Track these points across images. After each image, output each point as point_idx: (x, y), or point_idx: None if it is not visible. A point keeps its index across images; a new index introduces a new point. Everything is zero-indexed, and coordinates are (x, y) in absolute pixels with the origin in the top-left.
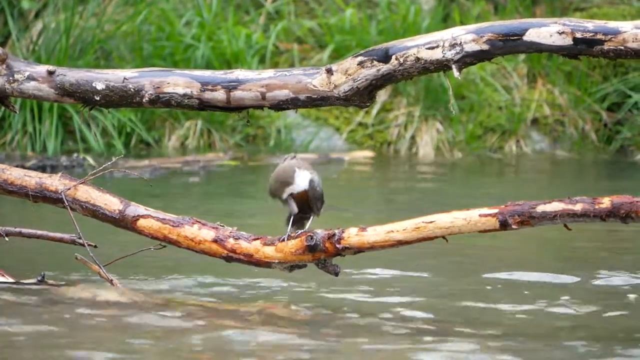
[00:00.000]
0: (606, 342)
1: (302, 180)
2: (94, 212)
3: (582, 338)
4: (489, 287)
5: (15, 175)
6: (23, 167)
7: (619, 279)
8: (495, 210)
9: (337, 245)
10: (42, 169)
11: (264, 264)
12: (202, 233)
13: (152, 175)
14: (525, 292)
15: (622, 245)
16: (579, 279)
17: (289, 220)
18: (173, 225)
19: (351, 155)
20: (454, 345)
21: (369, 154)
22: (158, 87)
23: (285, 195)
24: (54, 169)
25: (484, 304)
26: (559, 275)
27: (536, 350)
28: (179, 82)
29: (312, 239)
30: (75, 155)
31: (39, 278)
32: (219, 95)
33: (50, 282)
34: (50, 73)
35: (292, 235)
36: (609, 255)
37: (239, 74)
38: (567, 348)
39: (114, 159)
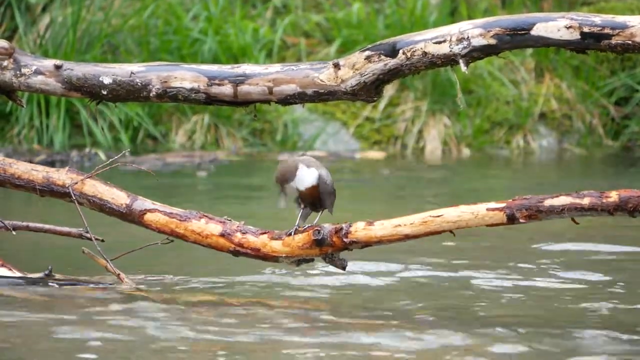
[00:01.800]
0: None
1: (309, 177)
2: (101, 206)
3: None
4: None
5: (23, 169)
6: (31, 162)
7: None
8: (503, 205)
9: (345, 240)
10: (51, 164)
11: (271, 258)
12: (209, 227)
13: (163, 169)
14: None
15: None
16: None
17: (302, 215)
18: (180, 220)
19: (362, 155)
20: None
21: (380, 154)
22: (165, 82)
23: (289, 190)
24: (63, 164)
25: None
26: None
27: None
28: (186, 77)
29: (319, 233)
30: (87, 150)
31: (46, 272)
32: (226, 89)
33: (57, 276)
34: (57, 67)
35: (300, 229)
36: None
37: (246, 68)
38: None
39: (123, 152)
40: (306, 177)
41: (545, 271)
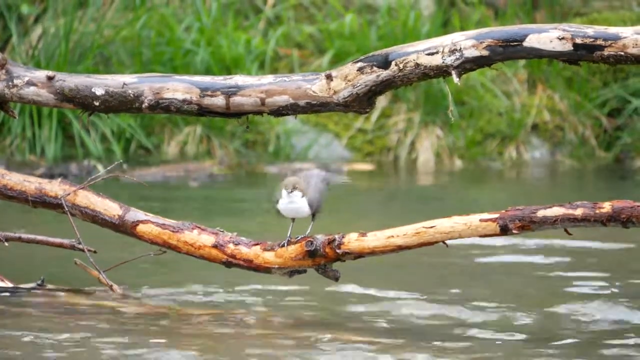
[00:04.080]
0: None
1: (303, 208)
2: (94, 218)
3: None
4: None
5: (15, 180)
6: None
7: None
8: (496, 215)
9: (337, 251)
10: (50, 177)
11: (263, 269)
12: (202, 238)
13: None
14: None
15: None
16: None
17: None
18: (173, 231)
19: (350, 166)
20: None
21: (368, 166)
22: (157, 93)
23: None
24: (63, 177)
25: None
26: None
27: None
28: (178, 88)
29: (312, 244)
30: (85, 162)
31: (39, 282)
32: (219, 101)
33: (50, 286)
34: (50, 78)
35: (292, 240)
36: None
37: (238, 79)
38: None
39: (115, 163)
40: (300, 209)
41: None
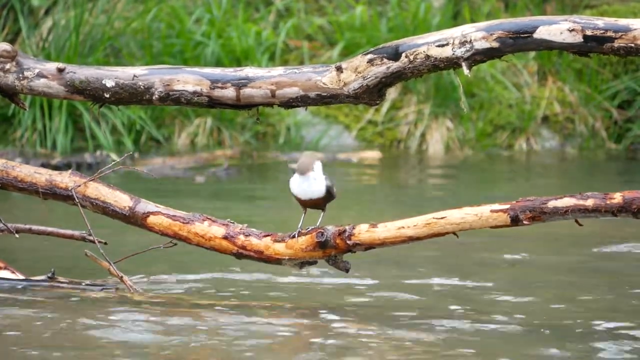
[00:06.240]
0: None
1: (320, 187)
2: (104, 209)
3: None
4: None
5: (26, 172)
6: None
7: None
8: (507, 206)
9: (348, 242)
10: (68, 166)
11: (274, 260)
12: (213, 230)
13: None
14: None
15: None
16: None
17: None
18: (183, 222)
19: (359, 156)
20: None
21: (377, 154)
22: (168, 85)
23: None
24: (78, 167)
25: None
26: None
27: None
28: (188, 80)
29: (322, 235)
30: (99, 152)
31: (49, 274)
32: (229, 92)
33: (61, 278)
34: (60, 70)
35: (303, 231)
36: None
37: (248, 71)
38: None
39: (126, 155)
40: (315, 189)
41: None
